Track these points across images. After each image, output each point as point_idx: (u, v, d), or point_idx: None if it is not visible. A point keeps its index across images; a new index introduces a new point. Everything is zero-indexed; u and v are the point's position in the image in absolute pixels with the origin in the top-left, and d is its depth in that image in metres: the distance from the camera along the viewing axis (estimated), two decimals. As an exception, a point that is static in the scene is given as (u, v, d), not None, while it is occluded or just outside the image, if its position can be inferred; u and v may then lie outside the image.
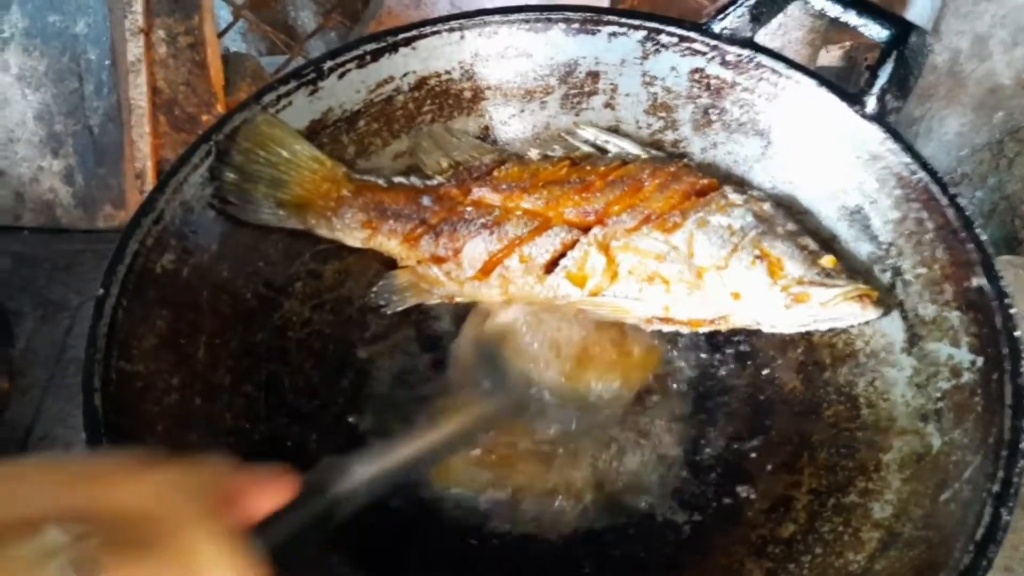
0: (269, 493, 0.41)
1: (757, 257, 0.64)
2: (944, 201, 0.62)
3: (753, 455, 0.67)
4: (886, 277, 0.67)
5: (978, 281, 0.60)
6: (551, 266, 0.67)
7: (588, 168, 0.70)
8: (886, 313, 0.64)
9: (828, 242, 0.69)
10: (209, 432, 0.64)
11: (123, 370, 0.60)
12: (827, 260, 0.65)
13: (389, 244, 0.70)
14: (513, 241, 0.67)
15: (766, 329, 0.66)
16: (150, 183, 0.98)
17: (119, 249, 0.62)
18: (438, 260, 0.69)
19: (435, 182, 0.71)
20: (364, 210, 0.69)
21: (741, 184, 0.71)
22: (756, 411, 0.69)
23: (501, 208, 0.69)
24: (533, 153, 0.72)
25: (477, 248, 0.68)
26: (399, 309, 0.71)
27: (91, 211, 0.98)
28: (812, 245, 0.66)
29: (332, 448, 0.67)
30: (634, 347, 0.67)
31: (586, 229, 0.67)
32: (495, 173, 0.70)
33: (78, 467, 0.38)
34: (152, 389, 0.61)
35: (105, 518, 0.34)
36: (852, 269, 0.66)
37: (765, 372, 0.70)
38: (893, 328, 0.66)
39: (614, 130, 0.74)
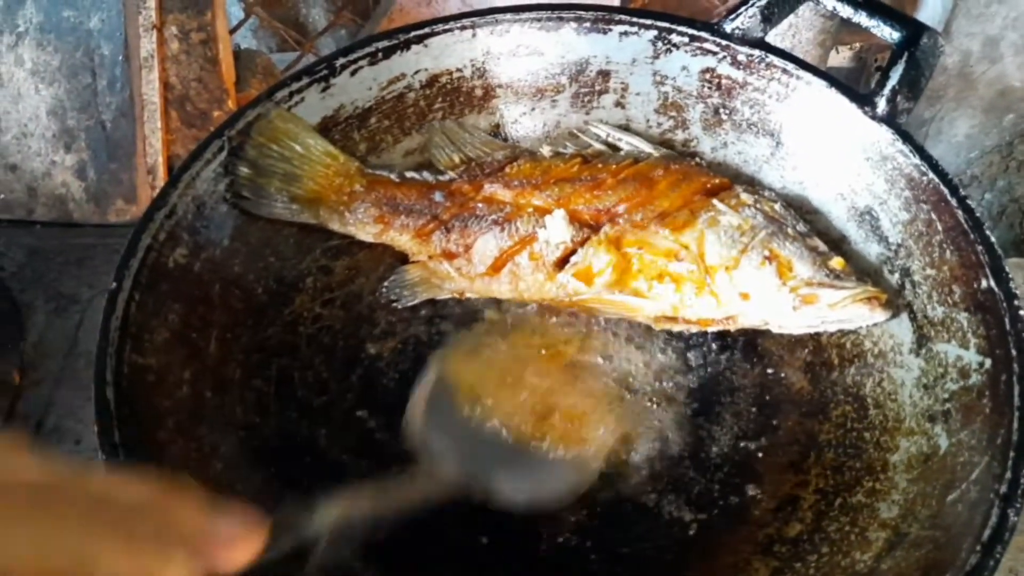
0: (240, 546, 0.40)
1: (767, 258, 0.64)
2: (954, 202, 0.62)
3: (760, 454, 0.67)
4: (895, 278, 0.67)
5: (987, 282, 0.60)
6: (561, 263, 0.68)
7: (600, 166, 0.70)
8: (894, 315, 0.64)
9: (838, 243, 0.69)
10: (220, 426, 0.64)
11: (135, 363, 0.60)
12: (836, 262, 0.65)
13: (401, 239, 0.71)
14: (524, 238, 0.68)
15: (774, 329, 0.66)
16: (161, 179, 0.98)
17: (131, 242, 0.62)
18: (449, 256, 0.69)
19: (447, 177, 0.71)
20: (376, 205, 0.70)
21: (751, 184, 0.71)
22: (763, 410, 0.69)
23: (512, 205, 0.69)
24: (545, 150, 0.72)
25: (488, 244, 0.68)
26: (410, 304, 0.71)
27: (103, 206, 0.99)
28: (821, 247, 0.66)
29: (342, 443, 0.68)
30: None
31: (597, 227, 0.67)
32: (507, 169, 0.70)
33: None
34: (163, 382, 0.62)
35: None
36: (861, 271, 0.67)
37: (773, 372, 0.71)
38: (901, 329, 0.66)
39: (625, 128, 0.74)
